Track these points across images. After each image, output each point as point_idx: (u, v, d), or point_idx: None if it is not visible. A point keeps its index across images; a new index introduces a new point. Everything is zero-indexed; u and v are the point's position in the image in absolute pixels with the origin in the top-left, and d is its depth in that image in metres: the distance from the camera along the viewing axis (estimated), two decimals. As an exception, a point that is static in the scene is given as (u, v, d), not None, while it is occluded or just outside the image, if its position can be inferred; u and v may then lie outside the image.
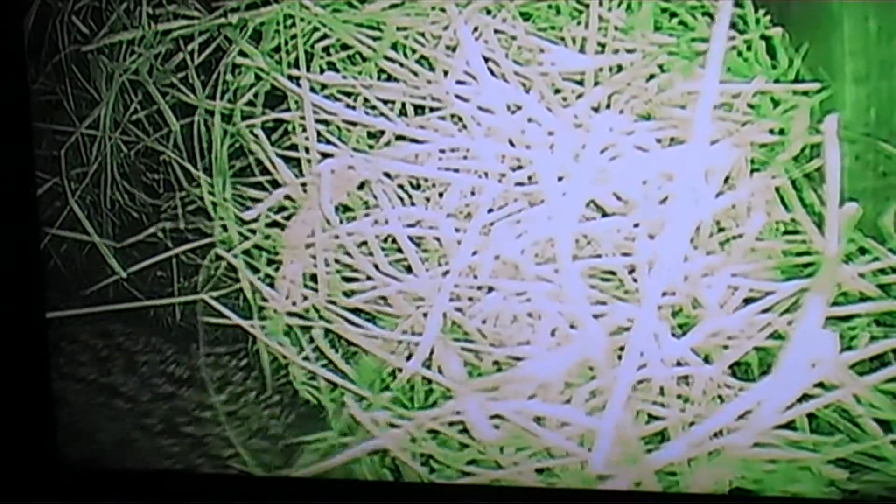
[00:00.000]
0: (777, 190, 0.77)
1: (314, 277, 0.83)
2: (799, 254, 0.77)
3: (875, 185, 0.76)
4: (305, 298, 0.84)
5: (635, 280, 0.78)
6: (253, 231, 0.85)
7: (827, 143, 0.75)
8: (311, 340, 0.84)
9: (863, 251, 0.76)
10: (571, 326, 0.78)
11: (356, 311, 0.83)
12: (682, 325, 0.78)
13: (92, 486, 0.85)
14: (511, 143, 0.80)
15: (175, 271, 0.86)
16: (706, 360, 0.77)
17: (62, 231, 0.87)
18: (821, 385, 0.75)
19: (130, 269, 0.87)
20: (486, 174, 0.80)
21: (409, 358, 0.81)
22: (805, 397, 0.75)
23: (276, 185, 0.85)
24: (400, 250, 0.82)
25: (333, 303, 0.83)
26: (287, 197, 0.84)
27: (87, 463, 0.85)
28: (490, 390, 0.79)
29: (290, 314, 0.84)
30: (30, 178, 0.86)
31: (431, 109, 0.82)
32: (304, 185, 0.83)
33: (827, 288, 0.74)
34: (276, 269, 0.84)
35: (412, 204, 0.83)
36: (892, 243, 0.75)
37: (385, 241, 0.83)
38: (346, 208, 0.84)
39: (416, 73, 0.82)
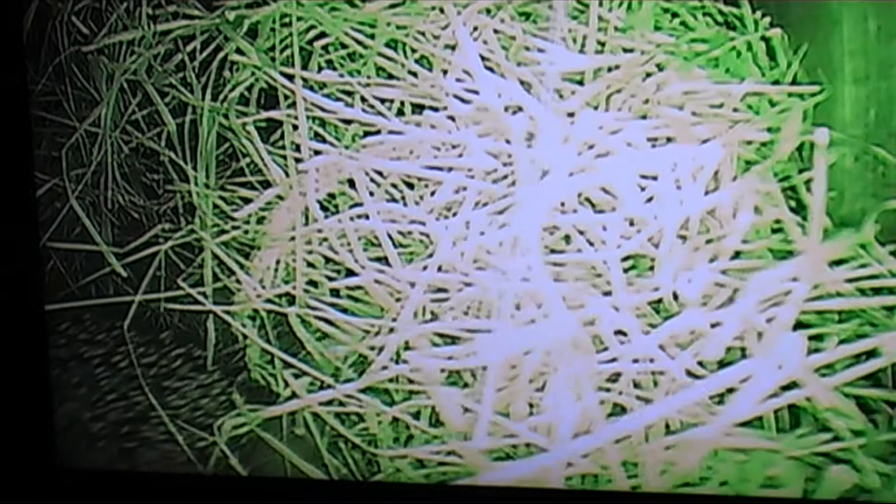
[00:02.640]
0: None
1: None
2: (780, 253, 0.77)
3: (874, 186, 0.76)
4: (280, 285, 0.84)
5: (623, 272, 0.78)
6: (238, 227, 0.86)
7: (817, 155, 0.75)
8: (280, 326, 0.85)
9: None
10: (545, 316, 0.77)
11: (334, 304, 0.84)
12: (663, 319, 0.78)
13: (90, 486, 0.85)
14: (507, 141, 0.80)
15: (166, 268, 0.87)
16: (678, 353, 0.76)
17: (62, 243, 0.87)
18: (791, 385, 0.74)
19: (129, 268, 0.87)
20: (471, 174, 0.81)
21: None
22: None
23: (267, 185, 0.85)
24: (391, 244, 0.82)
25: (310, 291, 0.84)
26: (279, 197, 0.85)
27: (85, 463, 0.85)
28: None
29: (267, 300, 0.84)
30: (29, 179, 0.86)
31: (432, 108, 0.82)
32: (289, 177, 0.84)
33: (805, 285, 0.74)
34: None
35: (403, 200, 0.83)
36: (874, 252, 0.75)
37: (376, 237, 0.83)
38: (334, 204, 0.84)
39: (415, 73, 0.83)
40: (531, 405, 0.77)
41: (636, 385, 0.76)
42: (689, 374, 0.76)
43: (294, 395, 0.82)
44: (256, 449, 0.83)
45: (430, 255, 0.80)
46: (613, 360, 0.76)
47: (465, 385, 0.80)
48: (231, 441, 0.82)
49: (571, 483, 0.76)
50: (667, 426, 0.76)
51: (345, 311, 0.83)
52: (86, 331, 0.87)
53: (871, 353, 0.73)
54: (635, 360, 0.76)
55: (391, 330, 0.80)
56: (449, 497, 0.78)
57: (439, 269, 0.80)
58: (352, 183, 0.83)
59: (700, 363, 0.75)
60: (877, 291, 0.74)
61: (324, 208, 0.83)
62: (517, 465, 0.76)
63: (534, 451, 0.76)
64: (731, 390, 0.74)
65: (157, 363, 0.86)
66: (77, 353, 0.86)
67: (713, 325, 0.75)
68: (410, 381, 0.80)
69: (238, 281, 0.85)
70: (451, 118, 0.81)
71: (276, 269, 0.84)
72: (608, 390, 0.76)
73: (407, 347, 0.80)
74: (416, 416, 0.80)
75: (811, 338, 0.74)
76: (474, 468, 0.77)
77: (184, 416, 0.84)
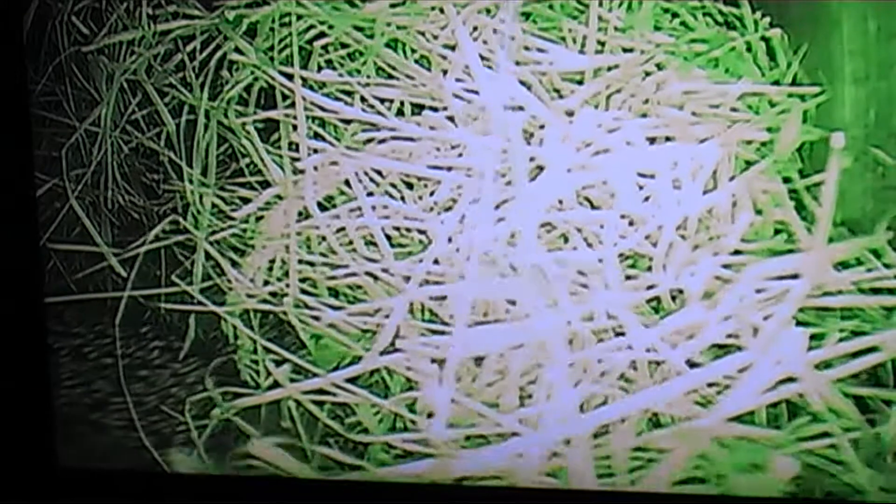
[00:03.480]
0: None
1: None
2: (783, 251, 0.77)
3: (874, 187, 0.76)
4: (266, 283, 0.84)
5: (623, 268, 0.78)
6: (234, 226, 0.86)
7: (831, 159, 0.74)
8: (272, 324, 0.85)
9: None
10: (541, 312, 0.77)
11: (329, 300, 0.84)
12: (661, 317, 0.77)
13: (91, 486, 0.85)
14: (507, 140, 0.80)
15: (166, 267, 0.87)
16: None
17: (62, 244, 0.87)
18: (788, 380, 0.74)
19: (126, 268, 0.87)
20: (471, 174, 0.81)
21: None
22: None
23: (266, 185, 0.85)
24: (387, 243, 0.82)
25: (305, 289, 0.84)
26: (278, 196, 0.85)
27: (85, 463, 0.85)
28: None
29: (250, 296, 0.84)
30: (29, 179, 0.86)
31: (432, 108, 0.82)
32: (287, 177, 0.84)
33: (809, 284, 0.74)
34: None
35: (402, 200, 0.83)
36: (887, 257, 0.74)
37: (373, 235, 0.83)
38: (332, 204, 0.84)
39: (412, 76, 0.83)
40: (521, 397, 0.77)
41: (629, 379, 0.76)
42: (689, 364, 0.75)
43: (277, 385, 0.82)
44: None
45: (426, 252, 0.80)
46: (610, 353, 0.76)
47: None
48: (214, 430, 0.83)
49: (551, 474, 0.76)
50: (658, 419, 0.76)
51: (341, 309, 0.83)
52: (82, 328, 0.87)
53: (871, 351, 0.73)
54: (632, 354, 0.76)
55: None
56: (442, 496, 0.78)
57: (435, 261, 0.80)
58: (350, 183, 0.83)
59: (696, 357, 0.75)
60: (877, 291, 0.74)
61: (322, 208, 0.83)
62: (492, 454, 0.76)
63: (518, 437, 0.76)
64: (727, 385, 0.74)
65: (155, 358, 0.87)
66: (78, 353, 0.87)
67: (713, 319, 0.75)
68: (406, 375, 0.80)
69: (229, 279, 0.85)
70: (451, 118, 0.81)
71: (272, 268, 0.85)
72: (603, 382, 0.76)
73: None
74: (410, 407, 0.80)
75: (811, 336, 0.74)
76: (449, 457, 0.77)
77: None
